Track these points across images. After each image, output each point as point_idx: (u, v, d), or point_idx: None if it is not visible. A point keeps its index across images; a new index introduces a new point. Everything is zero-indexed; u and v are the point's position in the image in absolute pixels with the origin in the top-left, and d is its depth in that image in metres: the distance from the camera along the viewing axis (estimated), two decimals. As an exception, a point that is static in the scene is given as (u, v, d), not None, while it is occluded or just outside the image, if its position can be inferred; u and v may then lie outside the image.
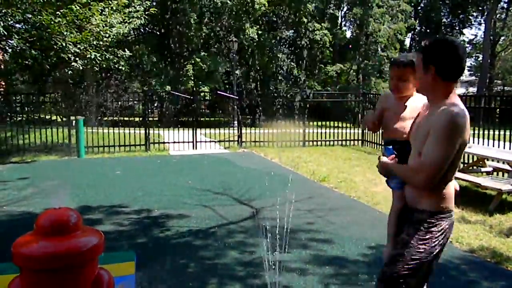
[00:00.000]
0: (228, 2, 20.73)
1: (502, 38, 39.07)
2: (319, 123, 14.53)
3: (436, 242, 2.09)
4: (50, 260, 1.60)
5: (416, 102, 2.38)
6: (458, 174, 6.82)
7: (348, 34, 27.41)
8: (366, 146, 13.13)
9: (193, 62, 21.72)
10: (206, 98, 17.93)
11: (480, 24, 38.16)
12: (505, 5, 36.92)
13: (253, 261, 4.08)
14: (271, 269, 3.71)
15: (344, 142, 13.45)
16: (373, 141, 12.82)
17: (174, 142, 12.11)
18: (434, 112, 2.03)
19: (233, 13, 21.39)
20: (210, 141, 12.58)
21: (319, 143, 13.30)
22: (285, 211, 5.30)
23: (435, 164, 1.98)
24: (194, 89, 19.22)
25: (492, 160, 7.33)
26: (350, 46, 25.75)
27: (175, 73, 22.00)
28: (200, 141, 12.36)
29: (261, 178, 8.06)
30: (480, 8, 36.38)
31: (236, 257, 4.21)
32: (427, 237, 2.09)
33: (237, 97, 12.95)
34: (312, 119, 14.73)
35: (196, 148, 12.22)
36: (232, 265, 4.03)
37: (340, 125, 14.16)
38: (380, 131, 2.63)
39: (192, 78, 21.51)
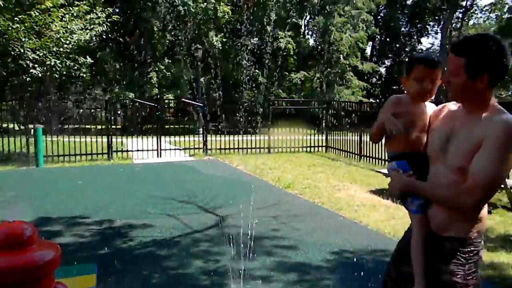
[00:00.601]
0: (192, 10, 20.70)
1: (458, 47, 40.63)
2: (284, 130, 14.66)
3: (479, 271, 1.78)
4: (3, 275, 1.54)
5: (429, 109, 1.99)
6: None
7: (311, 42, 27.84)
8: (330, 152, 13.35)
9: (157, 69, 21.52)
10: (171, 105, 17.80)
11: (436, 33, 39.62)
12: (460, 15, 38.57)
13: (217, 270, 4.06)
14: (236, 277, 3.71)
15: (308, 149, 13.63)
16: (336, 147, 13.04)
17: (138, 150, 11.92)
18: (478, 120, 1.70)
19: (197, 21, 21.37)
20: (175, 149, 12.47)
21: (284, 149, 13.42)
22: (250, 219, 5.32)
23: (492, 183, 1.66)
24: (158, 96, 19.03)
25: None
26: (316, 53, 26.16)
27: (139, 80, 21.71)
28: (165, 149, 12.23)
29: (226, 186, 8.07)
30: (436, 18, 37.86)
31: (201, 266, 4.18)
32: (472, 269, 1.75)
33: (201, 105, 12.91)
34: (277, 126, 14.86)
35: (160, 156, 12.07)
36: (196, 274, 4.00)
37: (305, 131, 14.33)
38: (382, 141, 2.11)
39: (156, 86, 21.29)
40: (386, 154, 7.31)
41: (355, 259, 4.38)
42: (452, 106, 1.90)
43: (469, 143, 1.68)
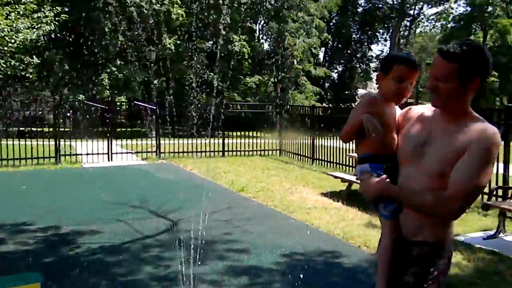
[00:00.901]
0: (145, 11, 20.38)
1: (406, 54, 42.38)
2: (239, 133, 14.71)
3: (445, 278, 1.80)
4: None
5: (396, 110, 1.97)
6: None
7: (266, 46, 28.15)
8: (284, 155, 13.50)
9: (108, 71, 20.99)
10: (123, 108, 17.42)
11: (386, 40, 41.15)
12: (408, 23, 40.24)
13: (168, 275, 4.02)
14: (186, 282, 3.68)
15: (263, 152, 13.72)
16: (290, 150, 13.22)
17: (88, 154, 11.55)
18: (460, 126, 1.71)
19: (151, 22, 21.06)
20: (127, 153, 12.19)
21: (238, 153, 13.45)
22: (202, 223, 5.29)
23: (475, 192, 1.69)
24: (110, 98, 18.57)
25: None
26: (272, 57, 26.43)
27: (90, 81, 21.09)
28: (116, 153, 11.93)
29: (179, 190, 7.96)
30: (385, 26, 39.32)
31: (151, 272, 4.11)
32: (435, 274, 1.76)
33: (154, 107, 12.70)
34: (231, 129, 14.87)
35: (111, 159, 11.76)
36: (146, 280, 3.93)
37: (259, 135, 14.44)
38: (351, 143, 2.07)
39: (108, 88, 20.76)
40: (337, 157, 7.51)
41: (305, 261, 4.45)
42: (422, 109, 1.88)
43: (450, 150, 1.68)
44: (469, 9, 31.53)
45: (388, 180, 1.75)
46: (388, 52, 37.44)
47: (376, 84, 1.93)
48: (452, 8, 37.83)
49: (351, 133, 1.91)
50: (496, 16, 29.23)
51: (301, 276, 4.05)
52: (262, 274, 4.10)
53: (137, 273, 4.10)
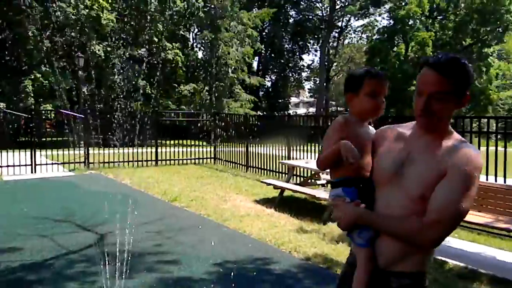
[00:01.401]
0: (73, 16, 19.55)
1: (335, 64, 44.25)
2: (173, 142, 14.49)
3: None
4: None
5: (371, 130, 1.87)
6: (298, 188, 7.45)
7: (200, 55, 28.06)
8: (218, 164, 13.49)
9: (33, 77, 19.84)
10: (49, 117, 16.53)
11: (316, 51, 42.61)
12: (336, 35, 41.94)
13: (94, 291, 3.85)
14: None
15: (197, 161, 13.63)
16: (224, 158, 13.24)
17: (9, 166, 10.84)
18: (440, 147, 1.60)
19: (78, 28, 20.23)
20: (53, 164, 11.57)
21: (172, 162, 13.25)
22: (132, 235, 5.14)
23: (457, 218, 1.55)
24: (34, 107, 17.56)
25: (327, 174, 8.17)
26: (205, 66, 26.35)
27: (12, 88, 19.80)
28: (41, 164, 11.29)
29: (109, 202, 7.63)
30: (316, 37, 40.73)
31: (75, 289, 3.92)
32: None
33: (82, 116, 12.19)
34: (165, 138, 14.62)
35: (35, 171, 11.12)
36: (70, 298, 3.75)
37: (194, 143, 14.32)
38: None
39: (32, 95, 19.61)
40: (270, 165, 7.63)
41: (236, 269, 4.46)
42: (400, 128, 1.77)
43: (431, 172, 1.56)
44: (392, 22, 33.50)
45: (363, 205, 1.65)
46: (318, 64, 38.79)
47: (347, 104, 1.84)
48: (377, 21, 40.05)
49: (328, 162, 1.79)
50: (416, 29, 31.28)
51: (232, 284, 4.06)
52: (192, 285, 4.05)
53: (60, 291, 3.89)
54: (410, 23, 31.71)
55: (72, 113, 12.72)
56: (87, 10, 19.93)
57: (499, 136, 7.08)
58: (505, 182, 6.04)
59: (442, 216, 1.52)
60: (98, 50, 20.64)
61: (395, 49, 32.85)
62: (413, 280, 1.62)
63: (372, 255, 1.67)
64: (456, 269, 4.54)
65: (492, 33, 30.63)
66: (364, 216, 1.64)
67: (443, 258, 4.80)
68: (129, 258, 4.36)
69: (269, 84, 40.25)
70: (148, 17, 22.61)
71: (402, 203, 1.61)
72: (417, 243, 1.58)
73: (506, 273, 4.34)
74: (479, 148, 6.37)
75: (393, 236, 1.61)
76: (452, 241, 5.50)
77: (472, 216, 5.06)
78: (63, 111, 12.67)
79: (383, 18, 53.00)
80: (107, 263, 4.22)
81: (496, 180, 6.07)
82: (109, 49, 21.57)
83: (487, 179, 6.09)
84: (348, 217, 1.66)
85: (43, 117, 14.89)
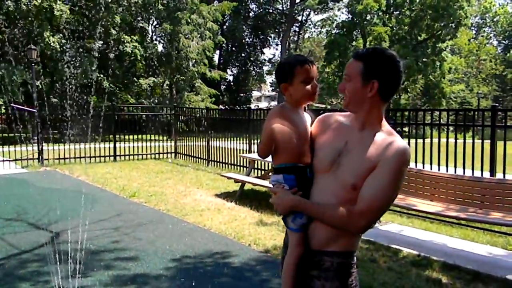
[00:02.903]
0: (23, 6, 18.72)
1: (296, 58, 44.59)
2: (132, 137, 14.20)
3: (358, 284, 1.79)
4: None
5: (307, 117, 1.93)
6: (259, 181, 7.48)
7: (160, 48, 27.55)
8: (179, 158, 13.35)
9: (-19, 71, 18.92)
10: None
11: (277, 44, 42.83)
12: (297, 29, 42.28)
13: (47, 291, 3.73)
14: (67, 297, 3.45)
15: (157, 156, 13.42)
16: (185, 153, 13.11)
17: (-44, 164, 10.31)
18: (373, 139, 1.70)
19: (30, 19, 19.39)
20: (4, 160, 11.08)
21: (131, 157, 13.00)
22: (88, 232, 5.02)
23: (383, 207, 1.70)
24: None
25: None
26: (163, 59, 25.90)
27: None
28: (-9, 161, 10.80)
29: (64, 199, 7.46)
30: (276, 30, 40.91)
31: (27, 290, 3.78)
32: (354, 283, 1.75)
33: (35, 110, 11.73)
34: (124, 133, 14.30)
35: (-15, 169, 10.62)
36: (21, 299, 3.61)
37: (154, 138, 14.08)
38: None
39: (-19, 89, 18.69)
40: (231, 158, 7.65)
41: (195, 264, 4.44)
42: (341, 117, 1.85)
43: (363, 163, 1.66)
44: (350, 16, 34.07)
45: (300, 193, 1.76)
46: (279, 58, 38.97)
47: (283, 94, 1.87)
48: (336, 16, 40.66)
49: (265, 149, 1.85)
50: (374, 24, 31.96)
51: (190, 279, 4.03)
52: (150, 281, 3.99)
53: (11, 292, 3.74)
54: (367, 18, 32.35)
55: (24, 107, 12.20)
56: (39, 1, 19.13)
57: (451, 128, 7.35)
58: (455, 172, 6.29)
59: (370, 206, 1.64)
60: (53, 42, 19.88)
61: (353, 43, 33.45)
62: (344, 259, 1.73)
63: (303, 240, 1.77)
64: (409, 257, 4.69)
65: (446, 28, 31.72)
66: (299, 204, 1.74)
67: (398, 247, 4.96)
68: (85, 256, 4.25)
69: (230, 78, 40.16)
70: (103, 8, 21.94)
71: (336, 191, 1.71)
72: (347, 229, 1.70)
73: (456, 259, 4.52)
74: (431, 139, 6.62)
75: (326, 223, 1.72)
76: (406, 230, 5.69)
77: (425, 205, 5.25)
78: (14, 105, 12.13)
79: (342, 13, 53.86)
80: (61, 262, 4.10)
81: (447, 170, 6.32)
82: (63, 41, 20.83)
83: (439, 169, 6.33)
84: (284, 204, 1.75)
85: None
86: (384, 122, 1.75)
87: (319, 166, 1.78)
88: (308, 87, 1.81)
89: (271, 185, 1.88)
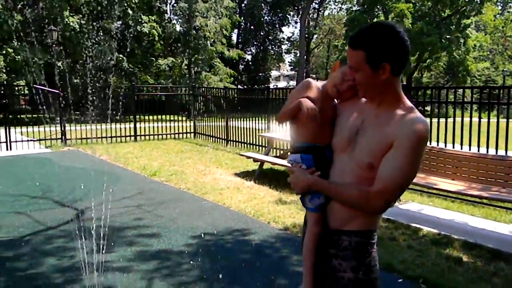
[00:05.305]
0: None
1: (315, 36, 43.96)
2: (152, 117, 14.33)
3: (377, 264, 1.75)
4: None
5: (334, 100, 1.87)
6: (277, 160, 7.49)
7: (178, 27, 27.44)
8: (198, 138, 13.44)
9: (4, 52, 19.23)
10: (22, 92, 16.09)
11: (296, 22, 42.21)
12: (316, 6, 41.55)
13: (73, 266, 3.84)
14: (92, 271, 3.56)
15: (177, 135, 13.54)
16: (204, 133, 13.18)
17: (-18, 144, 10.59)
18: (389, 117, 1.64)
19: (49, 0, 19.54)
20: (28, 140, 11.34)
21: (151, 137, 13.15)
22: (112, 210, 5.13)
23: (402, 187, 1.63)
24: (6, 82, 17.07)
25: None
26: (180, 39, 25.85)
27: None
28: (16, 141, 11.05)
29: (87, 177, 7.60)
30: (295, 8, 40.27)
31: (54, 264, 3.91)
32: (373, 263, 1.72)
33: (57, 91, 11.91)
34: (144, 113, 14.44)
35: (10, 148, 10.89)
36: (48, 273, 3.73)
37: (173, 118, 14.18)
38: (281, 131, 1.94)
39: (4, 70, 19.05)
40: (250, 138, 7.66)
41: (215, 241, 4.51)
42: (364, 99, 1.79)
43: (379, 141, 1.61)
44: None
45: (318, 173, 1.73)
46: (298, 36, 38.42)
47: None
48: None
49: (286, 116, 1.83)
50: (395, 1, 31.16)
51: (211, 255, 4.11)
52: (171, 257, 4.08)
53: (38, 266, 3.87)
54: (389, -6, 31.53)
55: (47, 88, 12.40)
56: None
57: (475, 107, 7.19)
58: (478, 150, 6.18)
59: (388, 186, 1.59)
60: (72, 22, 20.01)
61: (374, 20, 32.74)
62: (362, 238, 1.70)
63: (320, 220, 1.77)
64: (429, 235, 4.67)
65: (471, 4, 30.73)
66: (316, 184, 1.72)
67: (418, 225, 4.93)
68: (108, 232, 4.35)
69: (249, 57, 39.88)
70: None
71: (353, 170, 1.68)
72: (365, 210, 1.67)
73: (478, 238, 4.48)
74: (454, 118, 6.49)
75: (343, 203, 1.70)
76: (426, 209, 5.65)
77: (446, 184, 5.19)
78: (37, 86, 12.32)
79: (363, -11, 52.60)
80: (85, 238, 4.22)
81: (470, 149, 6.20)
82: (83, 22, 20.96)
83: (461, 148, 6.23)
84: (301, 183, 1.74)
85: (17, 93, 14.47)
86: (402, 97, 1.68)
87: (337, 145, 1.75)
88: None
89: (289, 165, 1.86)
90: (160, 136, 13.27)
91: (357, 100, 1.77)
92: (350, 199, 1.66)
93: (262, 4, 37.40)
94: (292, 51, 47.49)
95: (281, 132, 8.33)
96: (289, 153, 2.15)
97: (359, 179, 1.66)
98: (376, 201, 1.61)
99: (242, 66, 38.85)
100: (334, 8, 45.73)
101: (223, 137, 12.16)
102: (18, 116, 15.22)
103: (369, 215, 1.70)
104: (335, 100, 1.84)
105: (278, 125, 2.09)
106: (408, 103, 1.68)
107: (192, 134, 13.74)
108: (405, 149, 1.56)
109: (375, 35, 1.60)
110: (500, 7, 46.81)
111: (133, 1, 22.31)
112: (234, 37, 37.05)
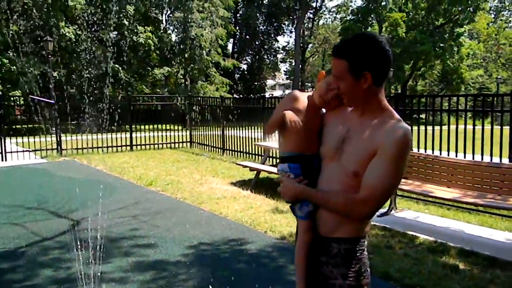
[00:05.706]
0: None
1: (310, 45, 44.23)
2: (148, 127, 14.32)
3: (368, 270, 1.79)
4: None
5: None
6: (274, 169, 7.50)
7: (174, 37, 27.56)
8: (194, 147, 13.44)
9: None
10: (17, 103, 16.07)
11: (291, 32, 42.49)
12: (311, 15, 41.84)
13: (69, 277, 3.82)
14: (88, 283, 3.54)
15: (173, 145, 13.54)
16: (200, 142, 13.19)
17: (-23, 155, 10.55)
18: (372, 125, 1.68)
19: (45, 10, 19.57)
20: (24, 151, 11.31)
21: (147, 147, 13.13)
22: (107, 220, 5.12)
23: (387, 194, 1.66)
24: (1, 93, 17.03)
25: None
26: (176, 49, 25.92)
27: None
28: (11, 152, 11.01)
29: (83, 188, 7.58)
30: (290, 18, 40.54)
31: (50, 276, 3.88)
32: (363, 269, 1.75)
33: (52, 102, 11.90)
34: (140, 123, 14.43)
35: (5, 159, 10.85)
36: (44, 284, 3.71)
37: (169, 127, 14.19)
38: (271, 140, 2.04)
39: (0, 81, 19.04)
40: (246, 147, 7.67)
41: (212, 250, 4.50)
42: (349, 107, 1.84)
43: (364, 149, 1.64)
44: (365, 2, 33.55)
45: (305, 181, 1.77)
46: (293, 46, 38.64)
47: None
48: (351, 1, 40.11)
49: (271, 127, 1.89)
50: (389, 10, 31.46)
51: (207, 265, 4.10)
52: (168, 267, 4.06)
53: (34, 278, 3.85)
54: (383, 3, 31.85)
55: (42, 98, 12.39)
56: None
57: (469, 114, 7.25)
58: (473, 158, 6.22)
59: (373, 193, 1.63)
60: (68, 33, 20.05)
61: (368, 29, 33.01)
62: (351, 245, 1.73)
63: (310, 227, 1.80)
64: (426, 243, 4.68)
65: (464, 12, 31.07)
66: (304, 192, 1.76)
67: (414, 233, 4.95)
68: (105, 243, 4.34)
69: (244, 66, 40.03)
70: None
71: (340, 178, 1.71)
72: (351, 217, 1.70)
73: (474, 246, 4.50)
74: (449, 126, 6.53)
75: (330, 210, 1.73)
76: (422, 217, 5.67)
77: (442, 192, 5.21)
78: (33, 97, 12.31)
79: (357, -1, 53.11)
80: (82, 249, 4.20)
81: (465, 157, 6.24)
82: (79, 32, 21.00)
83: (456, 156, 6.26)
84: (290, 192, 1.79)
85: (12, 103, 14.44)
86: (385, 105, 1.71)
87: (325, 154, 1.79)
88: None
89: (277, 173, 1.89)
90: (156, 146, 13.26)
91: (343, 109, 1.80)
92: (336, 207, 1.70)
93: (258, 14, 37.62)
94: (288, 60, 47.76)
95: (277, 141, 8.34)
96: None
97: (346, 187, 1.69)
98: (362, 208, 1.64)
99: (238, 75, 38.95)
100: (329, 18, 45.99)
101: (219, 146, 12.17)
102: (14, 127, 15.20)
103: (357, 222, 1.73)
104: (323, 109, 1.87)
105: (266, 136, 2.13)
106: (392, 111, 1.71)
107: (188, 144, 13.74)
108: (388, 156, 1.60)
109: (357, 45, 1.64)
110: (493, 16, 47.36)
111: (129, 12, 22.39)
112: (230, 46, 37.20)
